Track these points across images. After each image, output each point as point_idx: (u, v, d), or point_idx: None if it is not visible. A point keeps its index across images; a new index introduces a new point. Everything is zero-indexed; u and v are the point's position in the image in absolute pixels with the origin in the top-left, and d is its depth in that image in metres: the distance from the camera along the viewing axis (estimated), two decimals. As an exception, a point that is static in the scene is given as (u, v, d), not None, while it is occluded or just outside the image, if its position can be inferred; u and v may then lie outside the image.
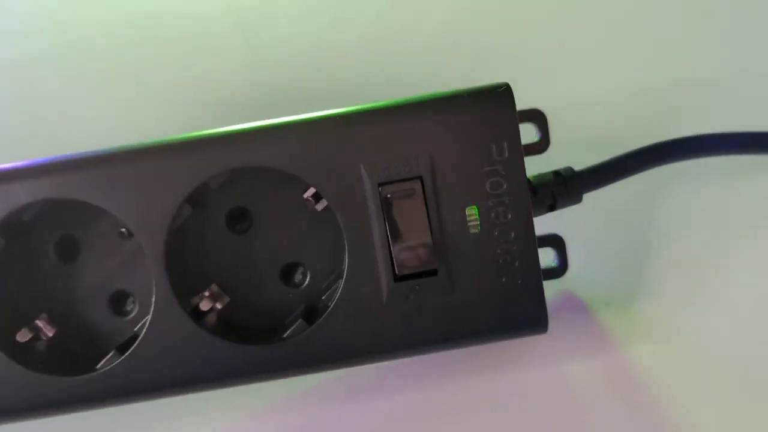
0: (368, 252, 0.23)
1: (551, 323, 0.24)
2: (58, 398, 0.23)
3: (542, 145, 0.25)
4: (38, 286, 0.24)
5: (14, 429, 0.24)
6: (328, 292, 0.24)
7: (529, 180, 0.25)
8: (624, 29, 0.33)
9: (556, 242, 0.27)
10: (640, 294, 0.29)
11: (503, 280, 0.23)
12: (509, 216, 0.23)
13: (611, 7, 0.34)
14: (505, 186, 0.23)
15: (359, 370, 0.27)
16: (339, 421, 0.28)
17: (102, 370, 0.23)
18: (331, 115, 0.24)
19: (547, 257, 0.27)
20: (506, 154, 0.23)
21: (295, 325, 0.24)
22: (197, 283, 0.24)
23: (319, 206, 0.24)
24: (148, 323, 0.23)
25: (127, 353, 0.23)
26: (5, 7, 0.34)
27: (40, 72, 0.33)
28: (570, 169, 0.27)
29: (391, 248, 0.23)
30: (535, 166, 0.26)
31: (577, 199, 0.27)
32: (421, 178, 0.23)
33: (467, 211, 0.23)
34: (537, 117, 0.25)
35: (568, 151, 0.27)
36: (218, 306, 0.24)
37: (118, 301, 0.25)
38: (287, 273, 0.25)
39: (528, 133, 0.26)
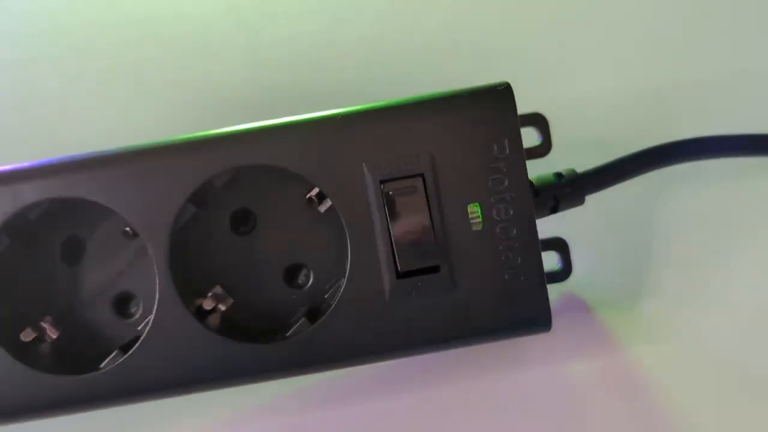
0: (370, 249, 0.23)
1: (553, 323, 0.24)
2: (62, 398, 0.23)
3: (544, 148, 0.26)
4: (43, 286, 0.25)
5: (16, 429, 0.25)
6: (331, 291, 0.25)
7: (531, 182, 0.25)
8: (624, 29, 0.33)
9: (559, 245, 0.27)
10: (641, 295, 0.29)
11: (506, 277, 0.24)
12: (511, 213, 0.24)
13: (611, 7, 0.34)
14: (506, 183, 0.24)
15: (360, 370, 0.27)
16: (339, 422, 0.28)
17: (105, 370, 0.23)
18: (332, 114, 0.24)
19: (550, 261, 0.27)
20: (507, 152, 0.24)
21: (297, 324, 0.24)
22: (201, 284, 0.24)
23: (323, 207, 0.24)
24: (151, 321, 0.23)
25: (129, 352, 0.23)
26: (5, 7, 0.34)
27: (40, 72, 0.33)
28: (572, 171, 0.27)
29: (393, 245, 0.23)
30: (535, 167, 0.26)
31: (579, 201, 0.27)
32: (422, 176, 0.23)
33: (469, 209, 0.24)
34: (538, 121, 0.26)
35: (568, 151, 0.27)
36: (222, 308, 0.24)
37: (122, 303, 0.25)
38: (291, 274, 0.25)
39: (530, 136, 0.26)
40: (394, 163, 0.23)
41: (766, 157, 0.30)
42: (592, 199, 0.27)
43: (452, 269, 0.23)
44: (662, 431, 0.27)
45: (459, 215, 0.24)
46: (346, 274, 0.23)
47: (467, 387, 0.28)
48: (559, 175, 0.27)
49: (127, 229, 0.24)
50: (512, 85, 0.25)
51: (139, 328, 0.25)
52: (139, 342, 0.23)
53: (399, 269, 0.23)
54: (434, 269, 0.23)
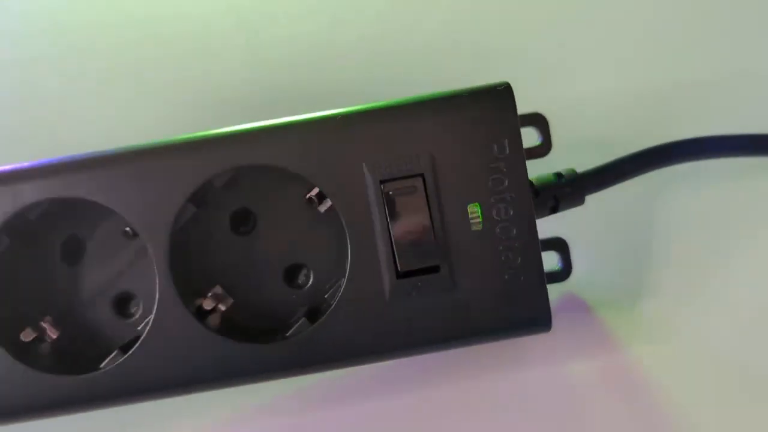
0: (370, 249, 0.23)
1: (553, 323, 0.24)
2: (62, 397, 0.23)
3: (544, 148, 0.26)
4: (43, 286, 0.25)
5: (16, 429, 0.25)
6: (331, 291, 0.25)
7: (531, 182, 0.25)
8: (624, 29, 0.33)
9: (559, 245, 0.27)
10: (641, 295, 0.29)
11: (506, 277, 0.24)
12: (511, 213, 0.24)
13: (611, 7, 0.34)
14: (506, 183, 0.24)
15: (360, 370, 0.27)
16: (339, 422, 0.28)
17: (105, 370, 0.23)
18: (332, 114, 0.24)
19: (550, 261, 0.27)
20: (507, 152, 0.24)
21: (297, 324, 0.24)
22: (201, 284, 0.24)
23: (322, 207, 0.24)
24: (151, 321, 0.23)
25: (129, 352, 0.23)
26: (5, 6, 0.34)
27: (40, 72, 0.34)
28: (572, 171, 0.27)
29: (393, 245, 0.23)
30: (535, 167, 0.26)
31: (579, 201, 0.27)
32: (422, 176, 0.24)
33: (469, 209, 0.24)
34: (538, 121, 0.26)
35: (568, 151, 0.28)
36: (222, 308, 0.24)
37: (122, 303, 0.25)
38: (291, 274, 0.25)
39: (530, 136, 0.26)
40: (394, 163, 0.23)
41: (765, 157, 0.30)
42: (592, 199, 0.27)
43: (452, 269, 0.23)
44: (662, 431, 0.27)
45: (459, 215, 0.24)
46: (346, 274, 0.23)
47: (467, 387, 0.28)
48: (559, 175, 0.27)
49: (127, 229, 0.24)
50: (512, 85, 0.25)
51: (139, 328, 0.25)
52: (139, 342, 0.23)
53: (399, 269, 0.23)
54: (434, 269, 0.23)
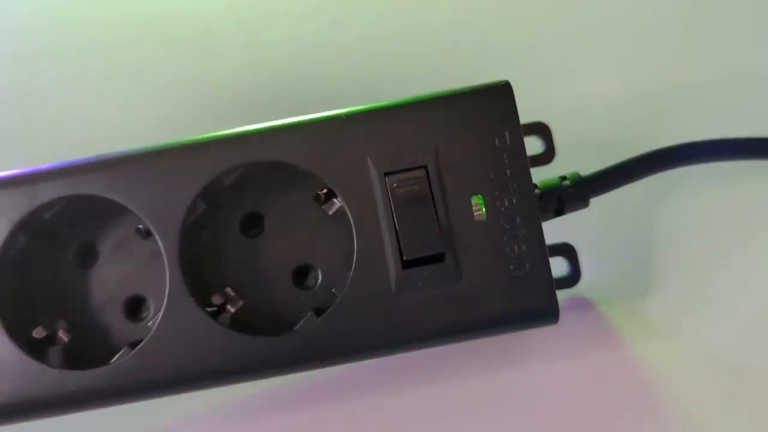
0: (376, 240, 0.24)
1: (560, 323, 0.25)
2: (72, 393, 0.24)
3: (547, 156, 0.27)
4: (56, 288, 0.25)
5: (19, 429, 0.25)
6: (339, 286, 0.25)
7: (536, 185, 0.26)
8: (624, 30, 0.34)
9: (567, 251, 0.28)
10: (645, 294, 0.29)
11: (511, 267, 0.24)
12: (514, 202, 0.24)
13: (611, 7, 0.34)
14: (508, 174, 0.24)
15: (365, 368, 0.27)
16: (343, 419, 0.28)
17: (114, 364, 0.24)
18: (337, 114, 0.25)
19: (559, 267, 0.28)
20: (508, 145, 0.25)
21: (305, 318, 0.24)
22: (212, 286, 0.25)
23: (330, 210, 0.25)
24: (160, 315, 0.24)
25: (138, 346, 0.24)
26: (5, 6, 0.34)
27: (41, 72, 0.34)
28: (577, 174, 0.27)
29: (398, 234, 0.24)
30: (537, 171, 0.27)
31: (584, 203, 0.27)
32: (425, 168, 0.24)
33: (473, 200, 0.24)
34: (541, 129, 0.27)
35: (568, 151, 0.28)
36: (231, 309, 0.25)
37: (134, 306, 0.26)
38: (299, 276, 0.26)
39: (533, 146, 0.27)
40: (398, 157, 0.24)
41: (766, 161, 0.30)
42: (596, 202, 0.28)
43: (457, 259, 0.24)
44: (666, 425, 0.27)
45: (462, 206, 0.24)
46: (353, 266, 0.24)
47: (473, 384, 0.28)
48: (563, 178, 0.27)
49: (140, 226, 0.25)
50: (512, 85, 0.25)
51: (149, 325, 0.25)
52: (149, 336, 0.24)
53: (404, 258, 0.24)
54: (439, 259, 0.24)
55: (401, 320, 0.24)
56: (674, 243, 0.30)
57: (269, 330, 0.24)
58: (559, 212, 0.27)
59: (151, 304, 0.25)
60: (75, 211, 0.25)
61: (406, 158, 0.24)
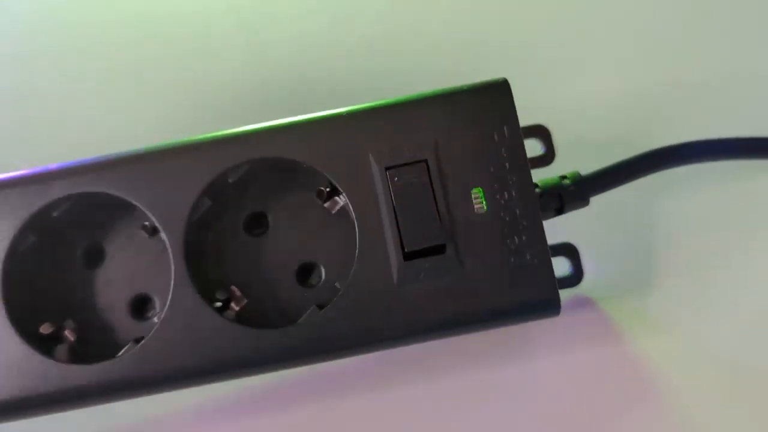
0: (378, 233, 0.25)
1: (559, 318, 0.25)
2: (77, 387, 0.24)
3: (548, 158, 0.28)
4: (63, 287, 0.26)
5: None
6: (341, 281, 0.26)
7: (536, 184, 0.26)
8: (624, 30, 0.34)
9: (569, 251, 0.28)
10: (645, 292, 0.29)
11: (512, 259, 0.24)
12: (513, 194, 0.25)
13: (611, 7, 0.34)
14: (507, 167, 0.25)
15: (365, 362, 0.28)
16: (347, 412, 0.28)
17: (119, 357, 0.24)
18: (338, 113, 0.26)
19: (561, 267, 0.28)
20: (507, 140, 0.25)
21: (308, 312, 0.25)
22: (217, 284, 0.26)
23: (334, 208, 0.26)
24: (166, 308, 0.24)
25: (144, 339, 0.24)
26: (5, 6, 0.35)
27: (41, 72, 0.34)
28: (577, 173, 0.28)
29: (399, 226, 0.24)
30: (537, 172, 0.27)
31: (584, 201, 0.28)
32: (426, 162, 0.25)
33: (473, 193, 0.25)
34: (541, 132, 0.28)
35: (568, 151, 0.28)
36: (236, 308, 0.25)
37: (139, 305, 0.26)
38: (303, 275, 0.26)
39: (533, 148, 0.27)
40: (399, 152, 0.25)
41: (765, 160, 0.30)
42: (595, 201, 0.28)
43: (458, 250, 0.24)
44: (666, 421, 0.27)
45: (463, 199, 0.25)
46: (355, 259, 0.24)
47: (473, 380, 0.28)
48: (563, 177, 0.28)
49: (146, 223, 0.26)
50: (513, 84, 0.26)
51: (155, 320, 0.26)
52: (154, 329, 0.24)
53: (405, 250, 0.24)
54: (440, 250, 0.24)
55: (403, 311, 0.24)
56: (674, 242, 0.30)
57: (273, 326, 0.25)
58: (559, 211, 0.27)
59: (157, 303, 0.26)
60: (82, 211, 0.25)
61: (406, 153, 0.25)
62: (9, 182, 0.25)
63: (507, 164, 0.25)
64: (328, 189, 0.26)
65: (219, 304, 0.25)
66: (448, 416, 0.28)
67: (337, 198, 0.26)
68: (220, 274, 0.26)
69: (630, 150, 0.29)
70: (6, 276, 0.24)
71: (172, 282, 0.24)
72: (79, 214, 0.26)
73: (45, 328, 0.25)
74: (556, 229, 0.28)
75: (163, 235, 0.24)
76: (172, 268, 0.24)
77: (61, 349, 0.25)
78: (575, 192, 0.27)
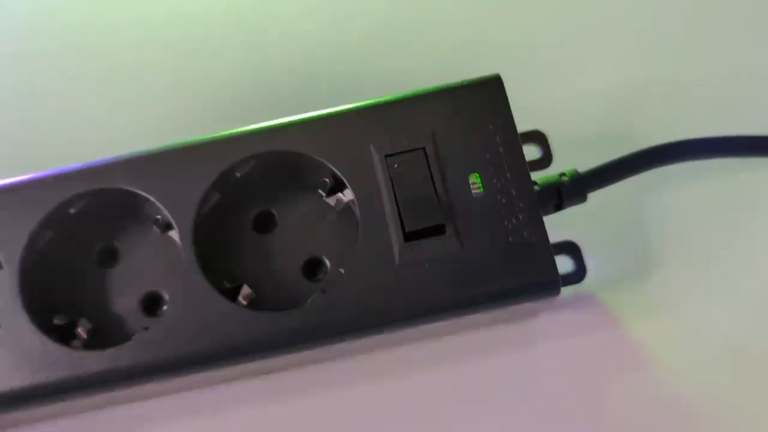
0: (379, 217, 0.25)
1: (560, 310, 0.26)
2: (92, 372, 0.24)
3: (545, 161, 0.29)
4: (78, 284, 0.27)
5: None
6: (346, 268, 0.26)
7: (535, 182, 0.27)
8: (624, 30, 0.34)
9: (571, 249, 0.29)
10: (645, 281, 0.30)
11: (510, 239, 0.25)
12: (509, 177, 0.26)
13: (611, 7, 0.34)
14: (502, 151, 0.26)
15: (369, 354, 0.28)
16: (345, 405, 0.28)
17: (130, 342, 0.25)
18: (340, 110, 0.27)
19: (564, 264, 0.28)
20: (501, 127, 0.26)
21: (313, 296, 0.26)
22: (225, 276, 0.26)
23: (339, 206, 0.27)
24: (177, 293, 0.25)
25: (156, 323, 0.25)
26: (5, 6, 0.35)
27: (41, 72, 0.34)
28: (575, 171, 0.28)
29: (399, 208, 0.25)
30: (536, 173, 0.27)
31: (582, 197, 0.28)
32: (423, 149, 0.26)
33: (470, 179, 0.26)
34: (538, 137, 0.29)
35: (567, 147, 0.28)
36: (244, 303, 0.26)
37: (151, 302, 0.27)
38: (309, 269, 0.27)
39: (531, 153, 0.28)
40: (398, 142, 0.26)
41: (760, 158, 0.31)
42: (593, 196, 0.28)
43: (458, 231, 0.25)
44: (662, 402, 0.28)
45: (460, 182, 0.26)
46: (358, 242, 0.25)
47: (476, 369, 0.29)
48: (561, 174, 0.28)
49: (158, 217, 0.27)
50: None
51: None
52: (164, 314, 0.26)
53: (405, 230, 0.25)
54: (440, 231, 0.25)
55: (406, 292, 0.25)
56: (672, 230, 0.31)
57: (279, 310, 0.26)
58: (558, 207, 0.28)
59: (168, 299, 0.27)
60: (98, 210, 0.27)
61: (405, 143, 0.26)
62: (29, 182, 0.26)
63: (501, 149, 0.26)
64: (332, 183, 0.27)
65: (228, 287, 0.26)
66: (447, 408, 0.28)
67: (341, 195, 0.27)
68: (229, 268, 0.27)
69: (629, 147, 0.29)
70: (23, 269, 0.25)
71: (183, 269, 0.25)
72: (94, 214, 0.27)
73: (60, 319, 0.26)
74: (556, 228, 0.28)
75: (173, 222, 0.25)
76: (183, 255, 0.25)
77: (76, 339, 0.26)
78: (573, 188, 0.28)
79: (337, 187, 0.27)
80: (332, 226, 0.27)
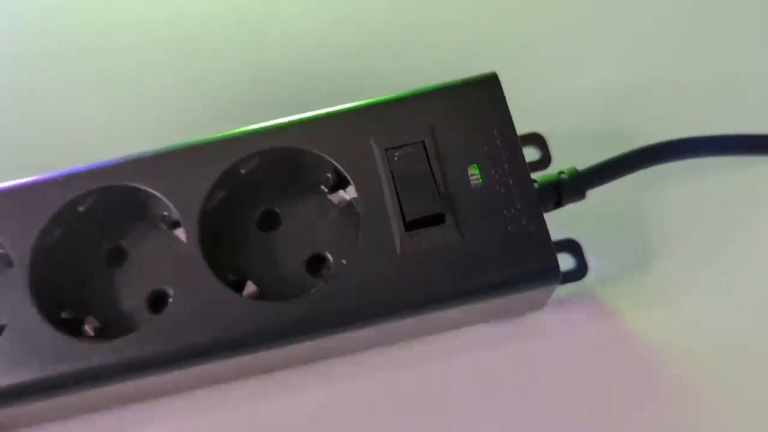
0: (380, 209, 0.26)
1: (562, 307, 0.26)
2: (100, 362, 0.25)
3: (544, 163, 0.30)
4: (86, 282, 0.27)
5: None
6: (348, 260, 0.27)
7: (535, 180, 0.28)
8: (623, 30, 0.34)
9: (572, 247, 0.29)
10: (644, 281, 0.30)
11: (509, 228, 0.26)
12: (506, 168, 0.26)
13: (611, 7, 0.35)
14: (499, 144, 0.27)
15: (365, 355, 0.29)
16: (346, 398, 0.29)
17: (137, 332, 0.25)
18: (340, 109, 0.27)
19: (565, 262, 0.29)
20: (498, 122, 0.27)
21: (316, 287, 0.26)
22: (230, 270, 0.27)
23: (341, 204, 0.27)
24: (183, 285, 0.26)
25: (161, 312, 0.25)
26: (5, 6, 0.35)
27: (41, 72, 0.34)
28: (574, 169, 0.29)
29: (400, 198, 0.26)
30: (536, 174, 0.27)
31: (581, 194, 0.29)
32: (423, 143, 0.27)
33: (469, 170, 0.26)
34: (537, 139, 0.30)
35: (567, 145, 0.28)
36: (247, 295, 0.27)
37: (157, 300, 0.27)
38: (313, 265, 0.28)
39: (530, 155, 0.29)
40: (398, 136, 0.27)
41: (757, 156, 0.31)
42: (593, 194, 0.29)
43: (458, 221, 0.26)
44: (660, 395, 0.28)
45: (459, 174, 0.26)
46: (359, 233, 0.26)
47: (477, 366, 0.29)
48: (560, 172, 0.29)
49: (165, 213, 0.27)
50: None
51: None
52: (170, 303, 0.26)
53: (406, 219, 0.26)
54: (440, 220, 0.26)
55: (407, 281, 0.25)
56: (671, 232, 0.31)
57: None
58: (558, 204, 0.28)
59: (174, 295, 0.27)
60: (105, 209, 0.27)
61: (405, 137, 0.27)
62: (38, 182, 0.27)
63: (498, 142, 0.27)
64: (334, 179, 0.27)
65: (233, 279, 0.27)
66: (447, 400, 0.29)
67: (343, 192, 0.27)
68: (235, 264, 0.27)
69: (629, 145, 0.29)
70: (33, 264, 0.26)
71: (189, 263, 0.26)
72: (103, 212, 0.27)
73: (68, 314, 0.26)
74: (557, 226, 0.28)
75: (179, 218, 0.26)
76: (189, 250, 0.26)
77: (84, 331, 0.26)
78: (572, 186, 0.28)
79: (340, 183, 0.27)
80: (335, 223, 0.28)
